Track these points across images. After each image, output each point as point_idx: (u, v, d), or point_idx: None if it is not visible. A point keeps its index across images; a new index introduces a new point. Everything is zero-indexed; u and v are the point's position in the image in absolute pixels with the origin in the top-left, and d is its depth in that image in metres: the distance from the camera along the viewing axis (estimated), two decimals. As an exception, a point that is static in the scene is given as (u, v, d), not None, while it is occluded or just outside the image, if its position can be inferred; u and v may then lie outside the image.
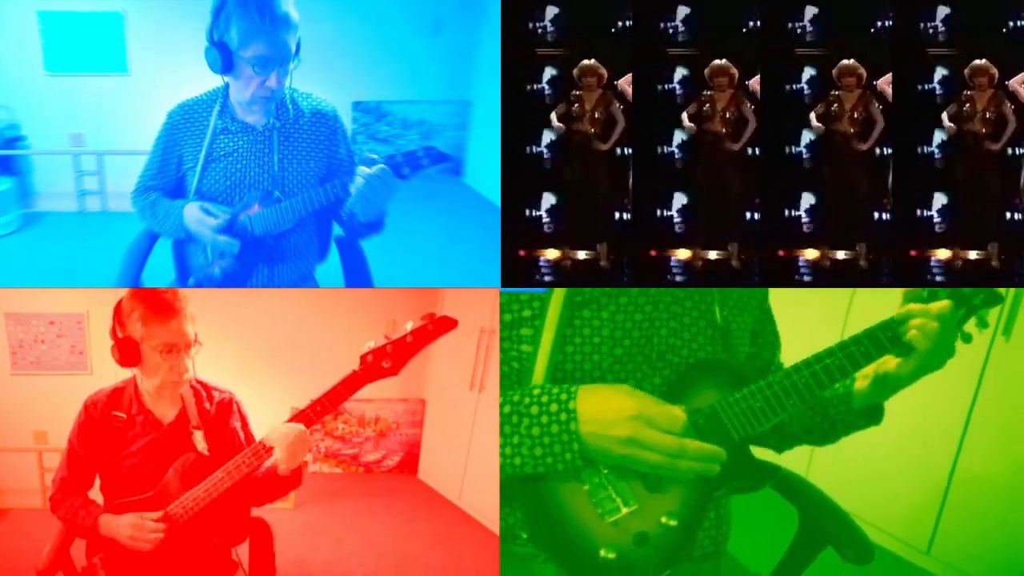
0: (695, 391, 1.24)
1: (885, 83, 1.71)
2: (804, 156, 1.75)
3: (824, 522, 1.47)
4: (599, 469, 1.19)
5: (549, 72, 1.72)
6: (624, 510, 1.18)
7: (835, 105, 1.72)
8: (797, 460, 1.52)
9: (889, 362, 1.25)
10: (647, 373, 1.26)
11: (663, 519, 1.18)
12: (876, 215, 1.74)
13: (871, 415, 1.37)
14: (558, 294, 1.22)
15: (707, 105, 1.72)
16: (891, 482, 2.79)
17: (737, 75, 1.71)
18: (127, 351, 1.47)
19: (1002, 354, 2.49)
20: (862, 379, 1.32)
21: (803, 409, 1.37)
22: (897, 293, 1.27)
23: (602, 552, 1.16)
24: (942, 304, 1.21)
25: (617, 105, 1.71)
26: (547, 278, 1.73)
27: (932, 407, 2.62)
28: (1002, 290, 1.28)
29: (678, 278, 1.74)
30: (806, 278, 1.76)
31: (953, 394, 2.58)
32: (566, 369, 1.23)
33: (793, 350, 1.38)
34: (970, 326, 1.25)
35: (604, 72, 1.71)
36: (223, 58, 1.65)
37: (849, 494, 1.70)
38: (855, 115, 1.72)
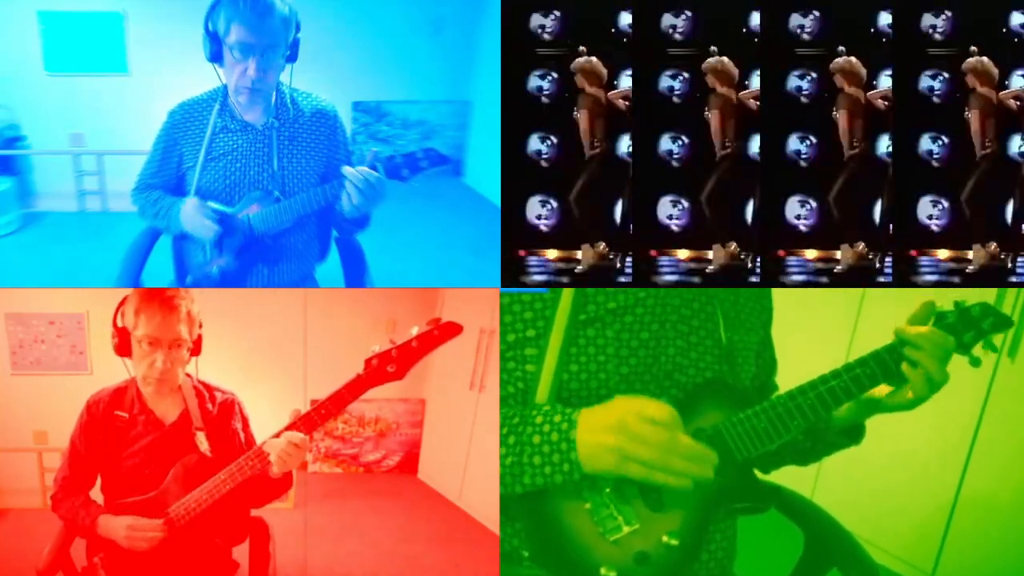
0: (700, 411, 1.24)
1: (877, 96, 1.72)
2: (803, 156, 1.75)
3: (829, 544, 1.47)
4: (601, 487, 1.18)
5: (549, 76, 1.72)
6: (625, 529, 1.18)
7: (835, 112, 1.72)
8: (802, 481, 1.51)
9: (881, 388, 1.24)
10: (654, 393, 1.24)
11: (664, 538, 1.18)
12: (876, 215, 1.74)
13: (852, 434, 1.37)
14: (562, 313, 1.21)
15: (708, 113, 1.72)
16: (896, 504, 2.78)
17: (737, 77, 1.71)
18: (120, 341, 1.50)
19: (1007, 375, 2.48)
20: None
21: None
22: (903, 293, 1.27)
23: (602, 571, 1.16)
24: (946, 340, 1.19)
25: (619, 105, 1.71)
26: (547, 278, 1.73)
27: (937, 428, 2.61)
28: (1011, 296, 1.27)
29: (675, 278, 1.74)
30: (806, 278, 1.76)
31: (958, 415, 2.57)
32: (571, 388, 1.22)
33: (805, 350, 1.37)
34: (978, 349, 1.24)
35: (604, 73, 1.70)
36: (211, 45, 1.68)
37: (854, 515, 1.69)
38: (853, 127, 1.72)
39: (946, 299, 1.27)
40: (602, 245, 1.72)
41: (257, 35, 1.64)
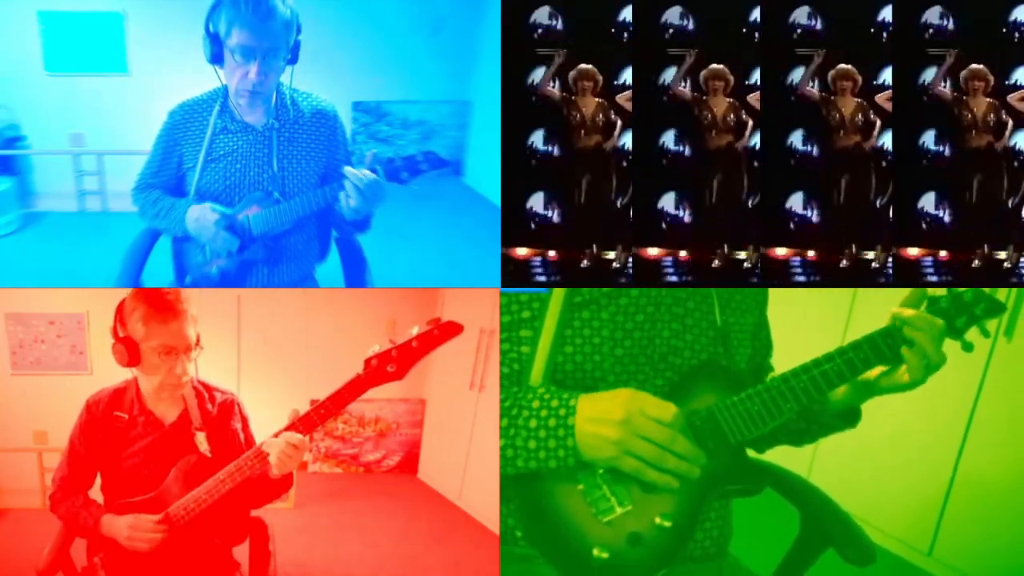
0: (695, 393, 1.24)
1: (884, 99, 1.72)
2: (804, 156, 1.75)
3: (826, 523, 1.47)
4: (594, 469, 1.19)
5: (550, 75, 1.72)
6: (618, 510, 1.18)
7: (835, 113, 1.72)
8: (799, 461, 1.52)
9: (875, 371, 1.25)
10: (649, 375, 1.25)
11: (657, 520, 1.18)
12: (875, 215, 1.74)
13: (848, 417, 1.37)
14: (557, 295, 1.21)
15: (706, 112, 1.72)
16: (893, 484, 2.79)
17: (732, 81, 1.71)
18: (127, 351, 1.47)
19: (1004, 355, 2.48)
20: None
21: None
22: (897, 293, 1.27)
23: (595, 552, 1.16)
24: (939, 324, 1.20)
25: (613, 113, 1.71)
26: (547, 278, 1.73)
27: (934, 408, 2.62)
28: (1003, 295, 1.28)
29: (675, 278, 1.74)
30: (804, 278, 1.76)
31: (955, 395, 2.58)
32: (566, 370, 1.23)
33: (795, 350, 1.38)
34: (971, 334, 1.24)
35: (600, 78, 1.70)
36: (212, 47, 1.67)
37: (851, 495, 1.70)
38: (855, 120, 1.72)
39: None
40: (593, 248, 1.72)
41: (259, 38, 1.64)
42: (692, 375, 1.27)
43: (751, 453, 1.27)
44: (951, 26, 1.71)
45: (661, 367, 1.26)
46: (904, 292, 1.26)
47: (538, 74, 1.71)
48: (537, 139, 1.72)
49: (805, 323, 2.78)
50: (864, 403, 1.34)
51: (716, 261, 1.73)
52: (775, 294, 1.50)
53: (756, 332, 1.44)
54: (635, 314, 1.25)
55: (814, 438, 1.43)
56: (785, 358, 1.51)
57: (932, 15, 1.72)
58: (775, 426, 1.23)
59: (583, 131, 1.71)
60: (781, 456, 1.48)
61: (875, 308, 2.73)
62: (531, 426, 1.16)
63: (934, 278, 1.73)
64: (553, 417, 1.15)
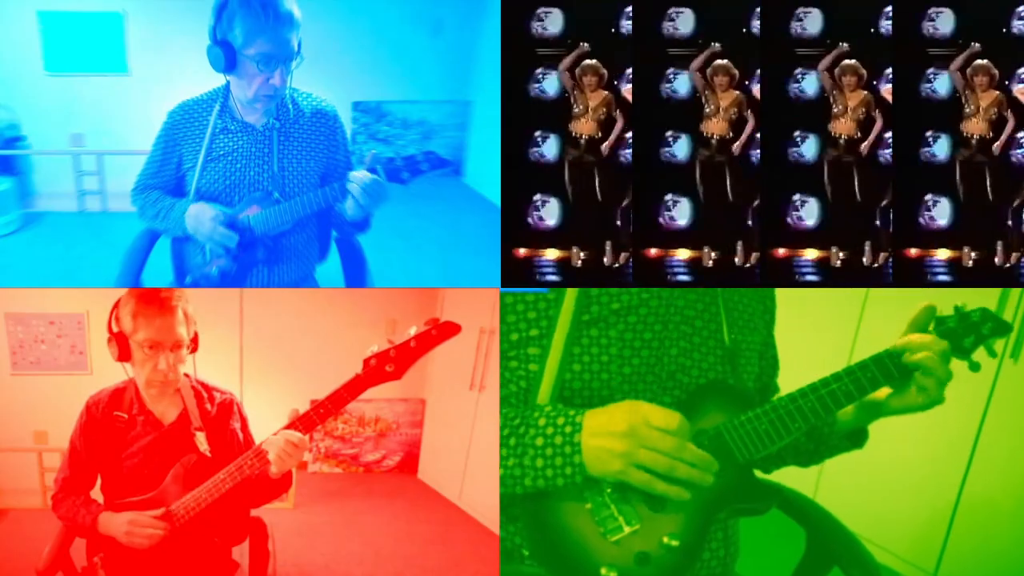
0: (702, 412, 1.24)
1: (886, 93, 1.72)
2: (805, 156, 1.75)
3: (831, 544, 1.47)
4: (602, 488, 1.18)
5: (551, 77, 1.72)
6: (626, 529, 1.18)
7: (836, 104, 1.72)
8: (805, 481, 1.52)
9: (881, 390, 1.25)
10: (657, 393, 1.24)
11: (665, 539, 1.18)
12: (876, 214, 1.74)
13: (855, 438, 1.38)
14: (565, 313, 1.20)
15: (709, 103, 1.72)
16: (898, 504, 2.78)
17: (738, 75, 1.71)
18: (118, 346, 1.49)
19: (1010, 376, 2.48)
20: None
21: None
22: (900, 294, 1.27)
23: (603, 571, 1.16)
24: (944, 345, 1.22)
25: (616, 110, 1.71)
26: (547, 278, 1.73)
27: (940, 428, 2.61)
28: (1009, 312, 1.28)
29: (678, 278, 1.74)
30: (807, 278, 1.76)
31: (961, 415, 2.58)
32: (574, 388, 1.22)
33: (803, 349, 1.38)
34: (978, 354, 1.25)
35: (605, 72, 1.71)
36: (226, 56, 1.65)
37: (856, 516, 1.69)
38: (858, 114, 1.72)
39: (947, 301, 1.28)
40: (575, 250, 1.72)
41: (279, 45, 1.64)
42: (700, 394, 1.26)
43: (758, 473, 1.27)
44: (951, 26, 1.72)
45: (669, 385, 1.26)
46: (903, 292, 1.27)
47: (542, 74, 1.71)
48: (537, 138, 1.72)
49: (812, 336, 2.78)
50: (872, 424, 1.34)
51: (710, 260, 1.73)
52: (780, 305, 1.49)
53: (763, 351, 1.44)
54: (643, 332, 1.24)
55: (821, 459, 1.44)
56: (792, 370, 1.52)
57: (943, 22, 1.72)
58: (783, 445, 1.23)
59: (583, 119, 1.71)
60: (787, 476, 1.47)
61: (884, 314, 2.74)
62: (537, 444, 1.15)
63: (942, 278, 1.73)
64: (559, 435, 1.14)
